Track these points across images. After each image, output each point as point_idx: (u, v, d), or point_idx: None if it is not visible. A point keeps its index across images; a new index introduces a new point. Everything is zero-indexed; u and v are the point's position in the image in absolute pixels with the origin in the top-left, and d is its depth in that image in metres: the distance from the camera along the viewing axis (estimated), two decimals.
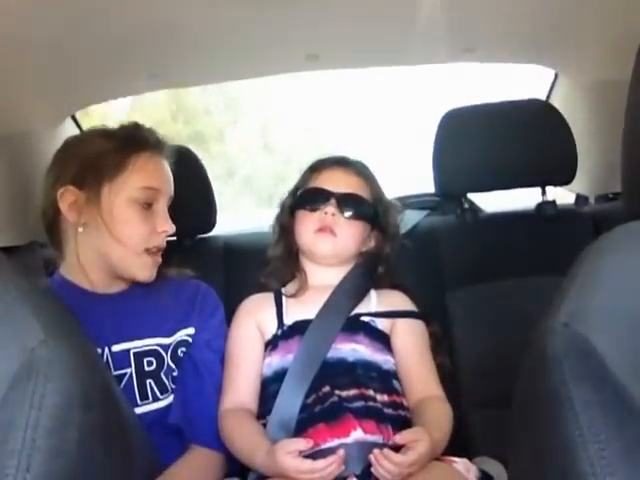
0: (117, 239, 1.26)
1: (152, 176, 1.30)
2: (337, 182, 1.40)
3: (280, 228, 1.48)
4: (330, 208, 1.37)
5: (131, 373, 1.26)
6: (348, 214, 1.38)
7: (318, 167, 1.46)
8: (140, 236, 1.28)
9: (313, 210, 1.38)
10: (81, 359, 0.74)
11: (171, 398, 1.28)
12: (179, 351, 1.31)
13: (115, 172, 1.27)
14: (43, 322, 0.69)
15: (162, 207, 1.31)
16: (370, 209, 1.41)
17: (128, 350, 1.27)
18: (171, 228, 1.31)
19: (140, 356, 1.27)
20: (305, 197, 1.42)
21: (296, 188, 1.48)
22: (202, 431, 1.26)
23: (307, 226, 1.38)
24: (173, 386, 1.28)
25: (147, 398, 1.26)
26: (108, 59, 1.57)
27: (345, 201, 1.38)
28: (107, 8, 1.32)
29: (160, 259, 1.32)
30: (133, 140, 1.31)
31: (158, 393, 1.27)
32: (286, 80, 2.09)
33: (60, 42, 1.43)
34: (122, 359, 1.26)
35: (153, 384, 1.27)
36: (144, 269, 1.30)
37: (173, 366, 1.29)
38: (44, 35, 1.37)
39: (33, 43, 1.39)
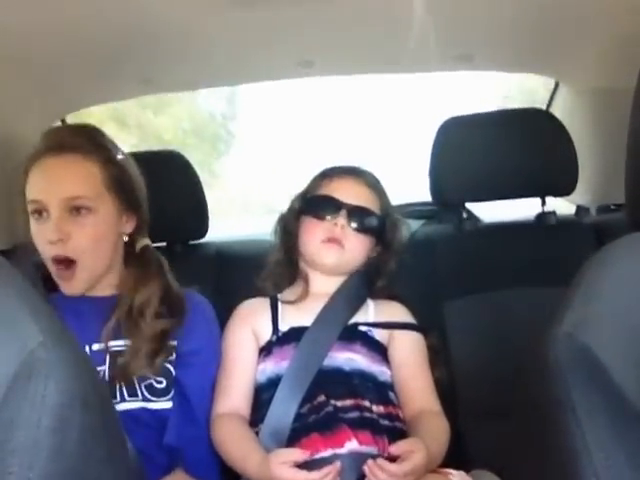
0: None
1: (34, 188, 1.28)
2: (348, 192, 1.38)
3: (283, 231, 1.46)
4: (340, 219, 1.35)
5: (104, 371, 1.25)
6: (357, 227, 1.36)
7: (329, 174, 1.44)
8: (40, 248, 1.28)
9: (321, 218, 1.37)
10: (78, 361, 0.74)
11: (137, 404, 1.25)
12: None
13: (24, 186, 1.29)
14: (41, 324, 0.69)
15: (53, 215, 1.25)
16: (378, 223, 1.40)
17: (106, 349, 1.26)
18: (53, 236, 1.25)
19: (115, 355, 1.26)
20: (314, 204, 1.40)
21: (304, 193, 1.46)
22: (193, 458, 1.27)
23: (314, 234, 1.36)
24: (147, 395, 1.26)
25: (115, 398, 1.24)
26: (100, 63, 1.57)
27: (355, 213, 1.36)
28: (99, 13, 1.32)
29: (74, 275, 1.27)
30: (34, 152, 1.30)
31: (126, 395, 1.25)
32: (279, 87, 2.09)
33: (51, 45, 1.43)
34: (99, 357, 1.25)
35: (123, 384, 1.25)
36: (57, 279, 1.29)
37: (148, 374, 1.26)
38: (35, 39, 1.37)
39: (24, 47, 1.38)
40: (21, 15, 1.27)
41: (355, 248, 1.36)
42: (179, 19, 1.40)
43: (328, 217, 1.36)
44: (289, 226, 1.44)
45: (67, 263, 1.26)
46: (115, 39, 1.45)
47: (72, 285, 1.28)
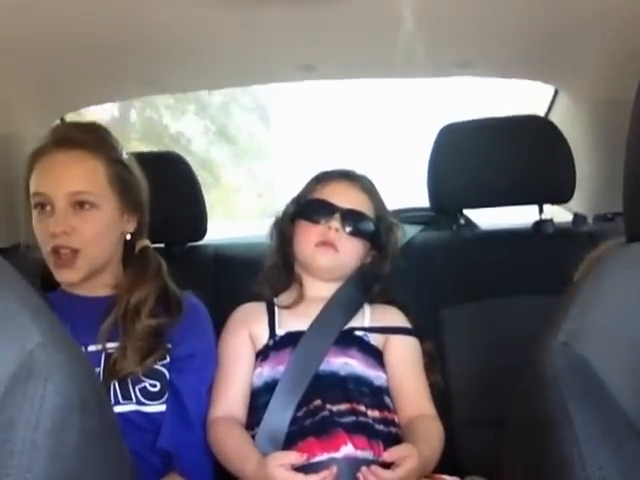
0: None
1: (40, 181, 1.28)
2: (342, 196, 1.39)
3: (279, 236, 1.47)
4: (334, 223, 1.35)
5: (99, 373, 1.25)
6: (351, 231, 1.36)
7: (324, 178, 1.44)
8: (41, 240, 1.28)
9: (316, 222, 1.37)
10: (77, 363, 0.74)
11: (131, 407, 1.25)
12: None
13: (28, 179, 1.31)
14: (41, 325, 0.69)
15: (58, 208, 1.26)
16: (373, 227, 1.40)
17: (102, 350, 1.26)
18: (57, 228, 1.26)
19: (110, 357, 1.26)
20: (309, 208, 1.41)
21: (299, 197, 1.46)
22: (187, 461, 1.26)
23: (308, 238, 1.37)
24: (141, 398, 1.26)
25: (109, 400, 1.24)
26: (100, 63, 1.56)
27: (349, 217, 1.37)
28: (101, 13, 1.32)
29: (74, 263, 1.28)
30: (40, 146, 1.31)
31: (120, 397, 1.25)
32: (280, 91, 2.10)
33: (52, 45, 1.43)
34: (95, 358, 1.25)
35: (117, 387, 1.25)
36: (56, 268, 1.29)
37: (142, 378, 1.26)
38: (36, 37, 1.37)
39: (24, 45, 1.38)
40: (22, 14, 1.26)
41: (349, 251, 1.37)
42: (180, 21, 1.39)
43: (322, 221, 1.36)
44: (284, 230, 1.45)
45: (68, 251, 1.26)
46: (116, 39, 1.45)
47: (71, 272, 1.28)
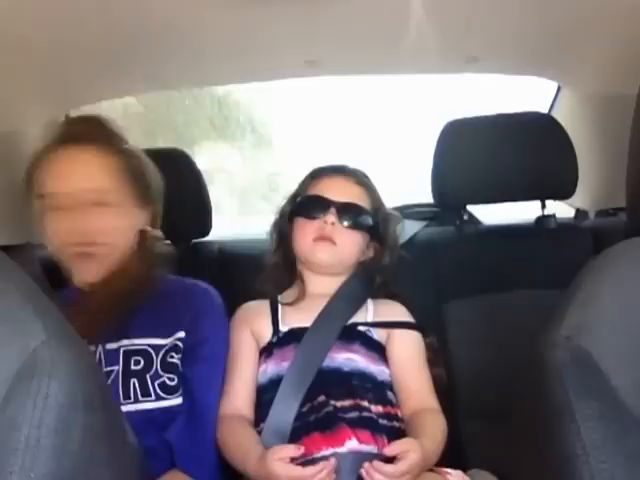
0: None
1: (51, 181, 1.27)
2: (337, 190, 1.39)
3: (278, 234, 1.48)
4: (330, 217, 1.36)
5: (118, 371, 1.24)
6: (348, 223, 1.37)
7: (318, 174, 1.45)
8: (57, 239, 1.28)
9: (312, 218, 1.38)
10: (82, 360, 0.74)
11: (151, 404, 1.25)
12: (168, 356, 1.28)
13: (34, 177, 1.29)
14: (45, 323, 0.69)
15: (72, 207, 1.26)
16: (369, 219, 1.41)
17: (119, 348, 1.26)
18: (73, 227, 1.25)
19: (129, 354, 1.26)
20: (304, 204, 1.42)
21: (295, 194, 1.47)
22: (189, 457, 1.25)
23: (306, 234, 1.38)
24: (160, 393, 1.26)
25: (129, 398, 1.23)
26: (104, 59, 1.56)
27: (345, 210, 1.37)
28: (105, 8, 1.31)
29: (92, 262, 1.28)
30: (48, 144, 1.30)
31: (139, 394, 1.24)
32: (283, 87, 2.09)
33: (56, 41, 1.42)
34: (113, 356, 1.25)
35: (137, 384, 1.24)
36: (74, 266, 1.29)
37: (161, 373, 1.26)
38: (40, 33, 1.37)
39: (28, 41, 1.38)
40: (26, 10, 1.27)
41: (347, 244, 1.37)
42: (184, 17, 1.39)
43: (318, 216, 1.37)
44: (283, 229, 1.46)
45: (87, 249, 1.26)
46: (120, 35, 1.45)
47: (90, 272, 1.28)
